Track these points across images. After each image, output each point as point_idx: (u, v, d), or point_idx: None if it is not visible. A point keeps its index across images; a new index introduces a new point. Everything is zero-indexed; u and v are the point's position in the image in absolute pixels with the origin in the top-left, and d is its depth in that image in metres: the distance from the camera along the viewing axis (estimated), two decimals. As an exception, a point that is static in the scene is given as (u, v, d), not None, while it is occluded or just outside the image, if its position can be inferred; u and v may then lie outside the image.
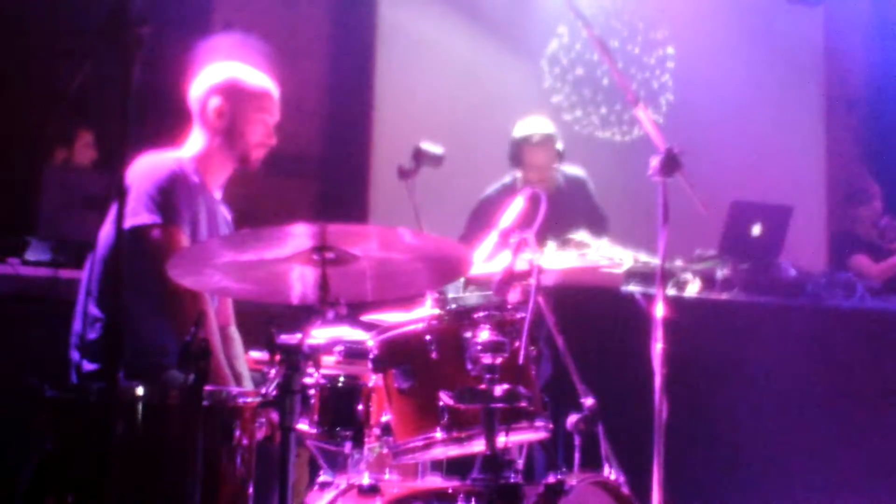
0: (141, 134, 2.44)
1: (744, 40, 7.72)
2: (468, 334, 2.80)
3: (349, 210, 6.69)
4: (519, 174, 5.71)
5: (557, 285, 4.31)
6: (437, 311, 2.90)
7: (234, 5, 6.74)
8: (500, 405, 2.69)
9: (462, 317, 2.85)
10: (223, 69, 3.61)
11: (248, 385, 3.43)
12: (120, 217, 2.36)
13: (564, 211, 5.50)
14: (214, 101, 3.54)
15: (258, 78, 3.60)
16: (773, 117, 7.82)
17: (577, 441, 3.11)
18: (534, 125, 5.70)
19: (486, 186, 5.79)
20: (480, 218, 5.27)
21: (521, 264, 3.11)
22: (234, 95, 3.54)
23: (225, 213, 3.68)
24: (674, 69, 7.78)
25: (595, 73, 7.54)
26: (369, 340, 2.94)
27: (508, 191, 5.48)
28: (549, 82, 7.51)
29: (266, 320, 2.67)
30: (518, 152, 5.67)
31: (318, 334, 2.94)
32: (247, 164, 3.58)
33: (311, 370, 2.71)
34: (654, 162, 3.32)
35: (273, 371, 2.57)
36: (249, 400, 2.70)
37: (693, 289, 4.77)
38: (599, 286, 4.47)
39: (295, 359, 2.54)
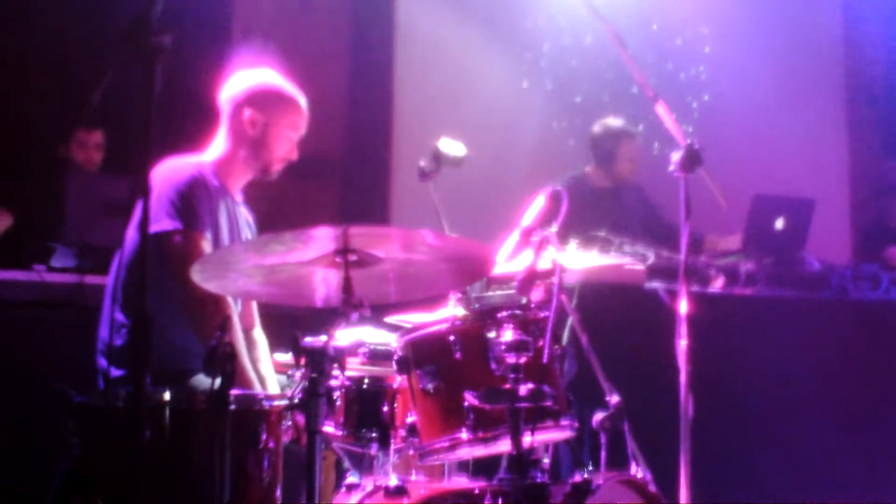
0: (161, 139, 2.45)
1: (761, 31, 7.63)
2: (492, 334, 2.80)
3: (371, 212, 6.69)
4: (588, 168, 5.80)
5: (581, 283, 4.30)
6: (460, 312, 2.91)
7: (254, 11, 6.75)
8: (525, 405, 2.69)
9: (485, 317, 2.85)
10: (261, 79, 3.61)
11: (274, 388, 3.44)
12: (145, 223, 2.37)
13: (636, 209, 5.61)
14: (249, 111, 3.54)
15: (295, 94, 3.60)
16: (793, 109, 7.74)
17: (603, 439, 3.11)
18: (620, 121, 5.83)
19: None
20: None
21: (544, 263, 3.10)
22: (271, 109, 3.55)
23: (247, 215, 3.69)
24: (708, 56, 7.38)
25: (597, 67, 7.03)
26: (393, 342, 2.95)
27: (577, 183, 5.57)
28: (528, 81, 7.01)
29: (290, 323, 2.68)
30: (614, 146, 5.77)
31: (343, 336, 2.95)
32: (266, 176, 3.61)
33: (336, 372, 2.72)
34: (675, 157, 3.31)
35: (298, 374, 2.58)
36: (275, 403, 2.72)
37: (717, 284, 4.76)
38: (623, 283, 4.46)
39: (320, 361, 2.55)
